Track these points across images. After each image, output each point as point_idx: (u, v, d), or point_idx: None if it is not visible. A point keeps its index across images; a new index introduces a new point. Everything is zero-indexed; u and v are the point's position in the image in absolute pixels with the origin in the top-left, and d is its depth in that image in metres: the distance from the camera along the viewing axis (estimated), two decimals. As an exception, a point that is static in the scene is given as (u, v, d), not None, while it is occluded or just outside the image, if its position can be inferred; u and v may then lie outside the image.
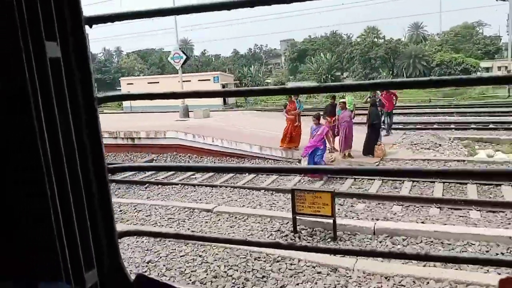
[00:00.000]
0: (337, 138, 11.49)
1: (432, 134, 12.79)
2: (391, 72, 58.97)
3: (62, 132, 0.81)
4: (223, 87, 34.79)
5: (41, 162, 0.77)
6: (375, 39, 61.29)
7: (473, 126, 15.95)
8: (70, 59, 0.82)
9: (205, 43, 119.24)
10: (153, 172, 11.55)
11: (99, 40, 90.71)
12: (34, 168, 0.77)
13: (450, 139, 12.82)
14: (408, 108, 24.87)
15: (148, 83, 35.78)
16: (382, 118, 14.07)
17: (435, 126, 16.60)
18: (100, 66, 72.36)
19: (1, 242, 0.83)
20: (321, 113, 11.77)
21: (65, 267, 0.83)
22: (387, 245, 6.39)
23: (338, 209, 7.96)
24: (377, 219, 7.17)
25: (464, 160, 10.47)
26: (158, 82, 36.03)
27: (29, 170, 0.77)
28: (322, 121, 10.62)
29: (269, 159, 11.87)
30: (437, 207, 7.61)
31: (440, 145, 11.63)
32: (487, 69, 62.13)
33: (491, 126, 15.77)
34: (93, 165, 0.89)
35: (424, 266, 5.45)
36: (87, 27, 0.85)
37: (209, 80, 34.39)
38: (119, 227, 0.98)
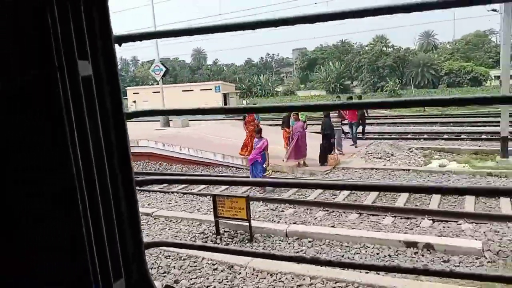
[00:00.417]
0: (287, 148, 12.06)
1: (390, 144, 13.21)
2: (399, 81, 58.86)
3: (93, 147, 0.84)
4: (225, 96, 35.63)
5: (73, 174, 0.79)
6: (384, 48, 61.39)
7: (445, 136, 16.28)
8: (100, 77, 0.85)
9: (217, 52, 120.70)
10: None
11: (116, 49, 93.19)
12: (66, 178, 0.80)
13: (410, 149, 13.23)
14: (397, 118, 25.18)
15: (152, 92, 36.87)
16: (353, 129, 14.62)
17: (409, 136, 16.95)
18: (114, 75, 74.36)
19: (33, 252, 0.85)
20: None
21: (95, 277, 0.84)
22: (294, 247, 6.95)
23: (268, 214, 8.57)
24: (294, 223, 7.74)
25: (409, 169, 10.91)
26: (158, 92, 37.18)
27: (61, 180, 0.80)
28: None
29: (231, 167, 12.55)
30: (358, 213, 8.12)
31: (392, 154, 12.06)
32: (498, 78, 61.34)
33: (463, 136, 16.07)
34: (122, 177, 0.92)
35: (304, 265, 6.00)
36: (116, 45, 0.89)
37: (211, 89, 35.25)
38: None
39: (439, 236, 6.63)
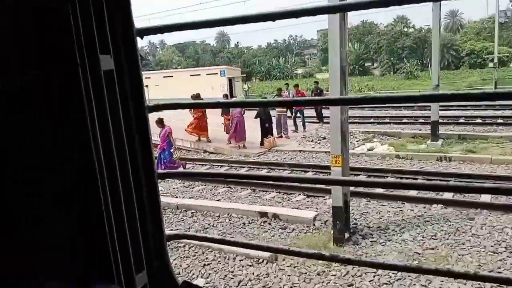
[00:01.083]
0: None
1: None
2: (420, 62, 57.86)
3: (115, 140, 0.84)
4: (230, 80, 36.84)
5: (95, 168, 0.80)
6: (405, 29, 60.26)
7: (386, 120, 17.14)
8: (122, 70, 0.85)
9: (240, 35, 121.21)
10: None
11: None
12: (88, 172, 0.80)
13: (351, 132, 14.13)
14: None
15: (163, 77, 38.63)
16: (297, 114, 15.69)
17: (371, 120, 17.75)
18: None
19: (55, 245, 0.86)
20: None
21: (117, 269, 0.85)
22: (179, 217, 8.30)
23: (179, 190, 9.95)
24: (190, 197, 9.09)
25: (320, 151, 12.00)
26: (172, 76, 38.82)
27: (84, 174, 0.81)
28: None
29: (180, 148, 13.98)
30: (251, 189, 9.37)
31: (324, 138, 13.07)
32: (526, 58, 58.98)
33: (404, 120, 16.83)
34: (144, 170, 0.92)
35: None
36: (138, 38, 0.88)
37: (217, 74, 36.54)
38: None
39: (284, 207, 7.85)
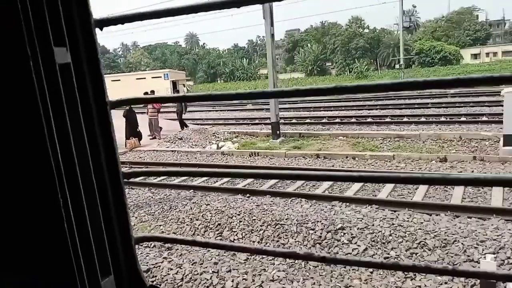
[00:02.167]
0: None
1: (195, 130, 16.15)
2: (372, 62, 60.16)
3: (74, 138, 0.79)
4: (174, 83, 38.79)
5: (52, 168, 0.74)
6: (360, 29, 62.58)
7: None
8: (80, 64, 0.81)
9: (208, 35, 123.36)
10: None
11: (118, 35, 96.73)
12: (45, 173, 0.75)
13: (215, 133, 16.14)
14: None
15: (111, 80, 40.45)
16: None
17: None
18: (109, 62, 78.02)
19: (14, 252, 0.82)
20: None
21: (80, 275, 0.81)
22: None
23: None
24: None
25: (178, 151, 13.96)
26: (119, 80, 40.68)
27: (40, 175, 0.75)
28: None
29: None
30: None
31: (181, 139, 15.07)
32: (475, 56, 61.60)
33: (324, 120, 18.88)
34: (108, 170, 0.88)
35: None
36: (97, 29, 0.84)
37: (161, 77, 38.48)
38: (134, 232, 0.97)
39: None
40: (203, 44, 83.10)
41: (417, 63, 57.18)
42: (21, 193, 0.78)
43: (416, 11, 70.66)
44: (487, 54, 60.80)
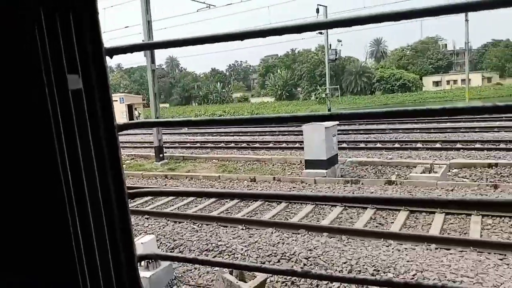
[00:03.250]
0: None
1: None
2: (336, 89, 62.46)
3: (84, 159, 0.83)
4: (129, 107, 40.71)
5: (62, 189, 0.78)
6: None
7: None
8: (91, 89, 0.84)
9: (187, 59, 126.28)
10: None
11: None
12: (56, 194, 0.78)
13: (123, 155, 17.89)
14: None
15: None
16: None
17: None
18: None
19: (20, 268, 0.84)
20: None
21: (83, 278, 0.83)
22: None
23: None
24: None
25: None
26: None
27: (51, 197, 0.79)
28: None
29: None
30: None
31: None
32: (437, 83, 64.08)
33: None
34: (114, 190, 0.91)
35: None
36: (107, 57, 0.89)
37: (117, 101, 40.37)
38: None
39: None
40: (181, 68, 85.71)
41: (378, 90, 59.53)
42: (31, 211, 0.81)
43: (384, 40, 73.53)
44: (448, 82, 63.29)
